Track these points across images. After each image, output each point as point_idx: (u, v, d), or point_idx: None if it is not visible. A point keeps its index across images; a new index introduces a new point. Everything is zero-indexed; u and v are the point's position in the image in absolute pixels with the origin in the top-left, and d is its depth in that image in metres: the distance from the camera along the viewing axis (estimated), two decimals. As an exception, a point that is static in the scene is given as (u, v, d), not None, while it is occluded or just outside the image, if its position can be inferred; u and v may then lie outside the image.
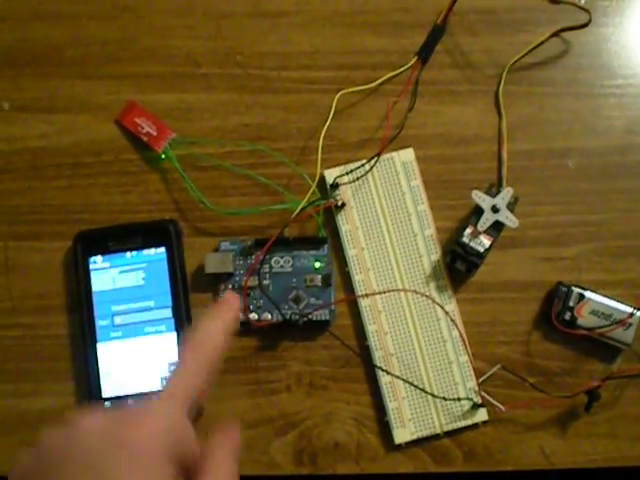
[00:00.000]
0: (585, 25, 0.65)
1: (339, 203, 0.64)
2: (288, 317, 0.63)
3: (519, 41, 0.68)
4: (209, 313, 0.43)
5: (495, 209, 0.61)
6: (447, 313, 0.62)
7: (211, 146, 0.66)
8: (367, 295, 0.63)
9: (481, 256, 0.61)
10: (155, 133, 0.65)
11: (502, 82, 0.67)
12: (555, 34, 0.67)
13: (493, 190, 0.63)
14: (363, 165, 0.64)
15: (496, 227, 0.62)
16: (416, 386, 0.62)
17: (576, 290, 0.63)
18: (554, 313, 0.63)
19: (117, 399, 0.63)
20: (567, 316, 0.63)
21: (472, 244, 0.61)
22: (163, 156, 0.66)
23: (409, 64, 0.67)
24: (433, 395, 0.62)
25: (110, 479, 0.33)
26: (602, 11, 0.68)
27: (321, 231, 0.64)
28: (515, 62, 0.67)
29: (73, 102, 0.67)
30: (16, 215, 0.66)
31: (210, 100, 0.67)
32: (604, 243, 0.66)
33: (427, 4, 0.68)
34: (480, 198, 0.61)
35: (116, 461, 0.33)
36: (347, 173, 0.64)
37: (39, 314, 0.66)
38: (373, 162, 0.63)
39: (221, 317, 0.43)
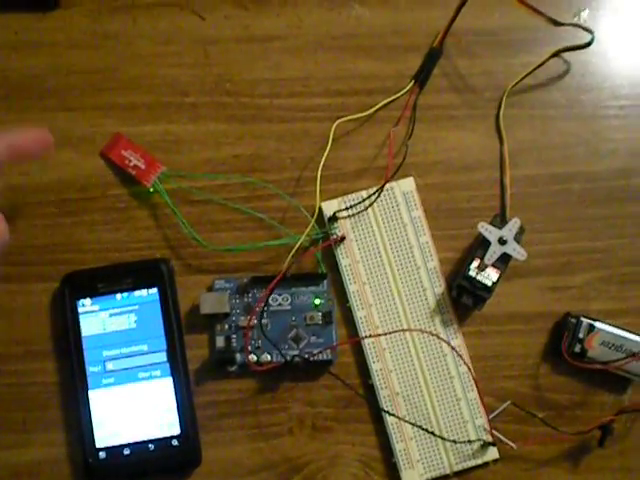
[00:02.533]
0: (587, 45, 0.64)
1: (339, 237, 0.61)
2: (289, 359, 0.59)
3: (519, 62, 0.66)
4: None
5: (502, 241, 0.59)
6: (453, 349, 0.60)
7: (202, 179, 0.63)
8: (370, 336, 0.60)
9: (489, 290, 0.59)
10: (143, 167, 0.62)
11: (502, 105, 0.65)
12: (556, 54, 0.66)
13: (498, 220, 0.60)
14: (365, 199, 0.61)
15: (503, 259, 0.59)
16: (424, 429, 0.59)
17: (586, 321, 0.61)
18: (564, 346, 0.60)
19: (112, 449, 0.60)
20: (577, 348, 0.61)
21: (479, 278, 0.59)
22: (152, 190, 0.62)
23: (406, 89, 0.64)
24: (442, 438, 0.59)
25: None
26: (604, 30, 0.66)
27: (321, 267, 0.61)
28: (515, 84, 0.65)
29: (55, 135, 0.63)
30: (-2, 257, 0.63)
31: (199, 131, 0.64)
32: (611, 270, 0.64)
33: (423, 26, 0.65)
34: (487, 230, 0.59)
35: None
36: (347, 208, 0.61)
37: (26, 360, 0.63)
38: (375, 195, 0.60)
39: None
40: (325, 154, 0.61)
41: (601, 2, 0.67)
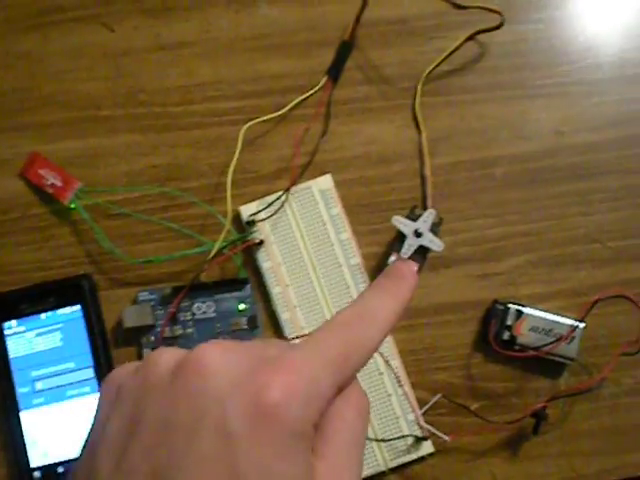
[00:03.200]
0: (499, 27, 0.62)
1: (257, 241, 0.60)
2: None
3: (433, 49, 0.64)
4: (381, 285, 0.33)
5: (418, 233, 0.58)
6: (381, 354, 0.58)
7: (120, 192, 0.62)
8: (296, 338, 0.60)
9: (408, 284, 0.57)
10: (60, 184, 0.62)
11: (418, 94, 0.63)
12: (470, 38, 0.64)
13: (416, 212, 0.59)
14: (278, 199, 0.60)
15: (422, 251, 0.58)
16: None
17: (513, 307, 0.60)
18: (491, 335, 0.60)
19: (47, 467, 0.60)
20: (506, 336, 0.60)
21: (397, 272, 0.57)
22: (73, 205, 0.62)
23: (319, 85, 0.63)
24: (375, 440, 0.59)
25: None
26: (518, 8, 0.64)
27: (241, 272, 0.61)
28: (430, 71, 0.64)
29: (-27, 160, 0.63)
30: None
31: (115, 143, 0.64)
32: (540, 253, 0.63)
33: (333, 20, 0.64)
34: (401, 223, 0.58)
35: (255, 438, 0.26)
36: (263, 209, 0.61)
37: (-42, 386, 0.62)
38: (286, 196, 0.60)
39: (395, 294, 0.33)
40: (235, 159, 0.61)
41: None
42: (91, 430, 0.30)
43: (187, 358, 0.28)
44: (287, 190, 0.60)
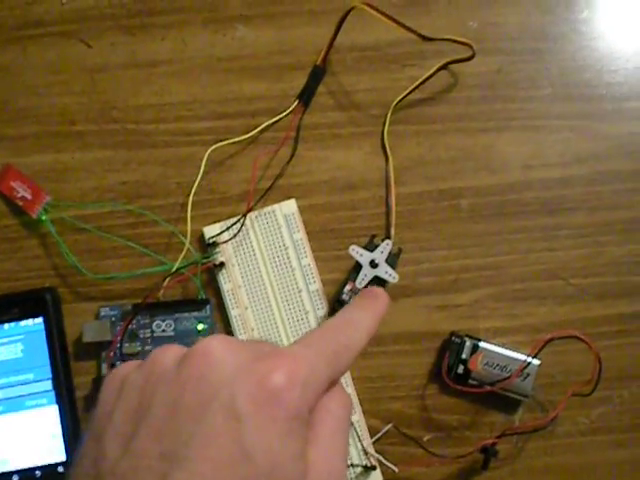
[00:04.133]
0: (470, 58, 0.62)
1: (217, 262, 0.61)
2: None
3: (405, 77, 0.65)
4: (360, 302, 0.37)
5: (374, 264, 0.58)
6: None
7: (88, 208, 0.63)
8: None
9: (362, 313, 0.58)
10: (30, 197, 0.63)
11: (387, 122, 0.63)
12: (443, 67, 0.64)
13: (375, 241, 0.59)
14: (238, 221, 0.61)
15: (378, 282, 0.58)
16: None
17: (469, 341, 0.60)
18: (444, 368, 0.60)
19: (3, 476, 0.61)
20: (460, 369, 0.60)
21: (352, 301, 0.58)
22: (44, 218, 0.63)
23: (290, 109, 0.64)
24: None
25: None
26: (491, 39, 0.65)
27: (200, 292, 0.61)
28: (401, 100, 0.64)
29: (-52, 169, 0.64)
30: None
31: (86, 159, 0.65)
32: (502, 287, 0.62)
33: (306, 44, 0.65)
34: (357, 253, 0.58)
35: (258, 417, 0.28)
36: (224, 230, 0.61)
37: None
38: (245, 219, 0.61)
39: (373, 309, 0.37)
40: (197, 180, 0.61)
41: (490, 11, 0.65)
42: (95, 420, 0.31)
43: (192, 349, 0.30)
44: (245, 214, 0.60)
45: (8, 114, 0.66)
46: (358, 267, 0.59)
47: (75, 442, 0.61)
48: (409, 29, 0.60)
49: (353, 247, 0.58)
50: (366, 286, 0.58)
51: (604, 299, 0.62)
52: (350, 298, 0.58)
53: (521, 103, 0.64)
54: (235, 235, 0.61)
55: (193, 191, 0.61)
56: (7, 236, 0.65)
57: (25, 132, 0.66)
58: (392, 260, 0.59)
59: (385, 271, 0.58)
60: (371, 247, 0.59)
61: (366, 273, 0.58)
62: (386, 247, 0.58)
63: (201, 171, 0.61)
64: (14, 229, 0.65)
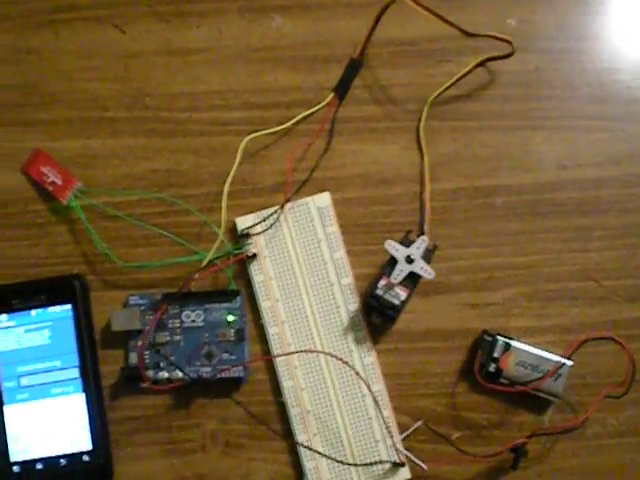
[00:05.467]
0: (509, 55, 0.62)
1: (249, 254, 0.60)
2: (196, 377, 0.59)
3: (442, 73, 0.64)
4: None
5: (409, 259, 0.57)
6: (359, 375, 0.59)
7: (118, 195, 0.63)
8: (280, 355, 0.60)
9: (397, 309, 0.58)
10: (60, 182, 0.63)
11: (423, 117, 0.63)
12: (480, 64, 0.63)
13: (410, 237, 0.59)
14: (274, 213, 0.60)
15: (413, 277, 0.58)
16: (333, 458, 0.59)
17: (501, 339, 0.59)
18: (476, 366, 0.59)
19: (26, 463, 0.60)
20: (492, 368, 0.59)
21: (387, 296, 0.58)
22: (74, 204, 0.62)
23: (325, 101, 0.63)
24: (347, 464, 0.59)
25: None
26: (529, 38, 0.64)
27: (231, 284, 0.61)
28: (437, 95, 0.63)
29: (-23, 151, 0.64)
30: None
31: (118, 145, 0.64)
32: (534, 287, 0.62)
33: (343, 37, 0.64)
34: (393, 248, 0.58)
35: None
36: (259, 222, 0.61)
37: (-55, 375, 0.63)
38: (281, 211, 0.60)
39: None
40: (233, 170, 0.61)
41: (529, 9, 0.64)
42: None
43: None
44: (282, 206, 0.60)
45: (39, 98, 0.65)
46: (393, 262, 0.58)
47: (101, 431, 0.60)
48: (451, 24, 0.60)
49: (389, 242, 0.58)
50: (401, 282, 0.58)
51: (635, 301, 0.62)
52: (384, 293, 0.58)
53: (557, 102, 0.64)
54: (271, 226, 0.60)
55: (229, 181, 0.60)
56: (35, 221, 0.64)
57: (56, 117, 0.65)
58: (427, 256, 0.58)
59: (421, 267, 0.58)
60: (406, 242, 0.58)
61: (402, 268, 0.58)
62: (422, 243, 0.58)
63: (237, 161, 0.61)
64: (43, 214, 0.64)
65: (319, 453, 0.59)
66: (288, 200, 0.60)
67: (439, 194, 0.63)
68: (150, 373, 0.61)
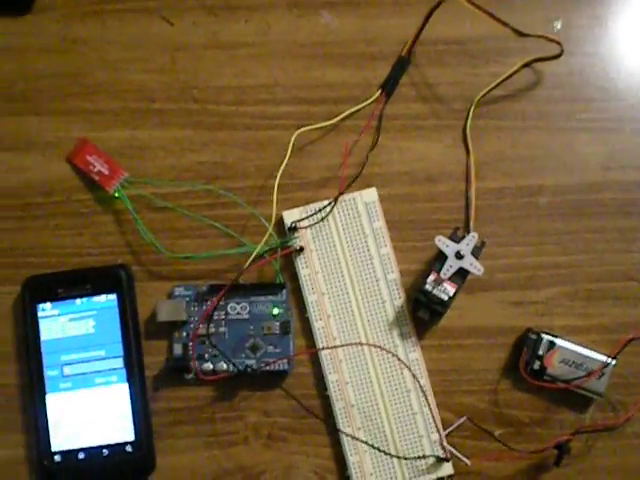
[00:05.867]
0: (557, 56, 0.62)
1: (297, 247, 0.60)
2: (242, 369, 0.59)
3: (488, 72, 0.65)
4: None
5: (459, 255, 0.58)
6: (409, 369, 0.59)
7: (165, 186, 0.63)
8: (327, 348, 0.60)
9: (445, 305, 0.58)
10: (107, 172, 0.63)
11: (470, 116, 0.63)
12: (526, 65, 0.64)
13: (458, 233, 0.59)
14: (323, 208, 0.61)
15: (461, 273, 0.59)
16: (376, 448, 0.59)
17: (546, 337, 0.60)
18: (522, 363, 0.60)
19: (67, 452, 0.60)
20: (536, 365, 0.60)
21: (435, 292, 0.58)
22: (117, 195, 0.62)
23: (372, 98, 0.64)
24: (391, 455, 0.59)
25: None
26: (575, 41, 0.65)
27: (278, 276, 0.61)
28: (484, 95, 0.64)
29: (22, 139, 0.64)
30: (-38, 258, 0.63)
31: (165, 137, 0.64)
32: (577, 286, 0.63)
33: (392, 35, 0.65)
34: (443, 244, 0.58)
35: None
36: (307, 217, 0.61)
37: (-14, 362, 0.62)
38: (331, 206, 0.60)
39: None
40: (283, 164, 0.61)
41: (575, 13, 0.65)
42: None
43: None
44: (335, 200, 0.60)
45: (85, 88, 0.65)
46: (442, 258, 0.59)
47: (144, 422, 0.60)
48: (504, 23, 0.61)
49: (439, 238, 0.58)
50: (450, 277, 0.58)
51: (678, 302, 0.62)
52: (433, 289, 0.58)
53: (601, 104, 0.65)
54: (322, 220, 0.61)
55: (279, 174, 0.61)
56: (79, 211, 0.64)
57: (102, 107, 0.65)
58: (476, 252, 0.59)
59: (470, 263, 0.58)
60: (456, 239, 0.59)
61: (451, 264, 0.58)
62: (472, 239, 0.58)
63: (288, 154, 0.61)
64: (87, 204, 0.64)
65: (365, 443, 0.59)
66: (342, 194, 0.61)
67: (484, 192, 0.63)
68: (194, 364, 0.61)
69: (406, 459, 0.59)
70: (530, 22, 0.64)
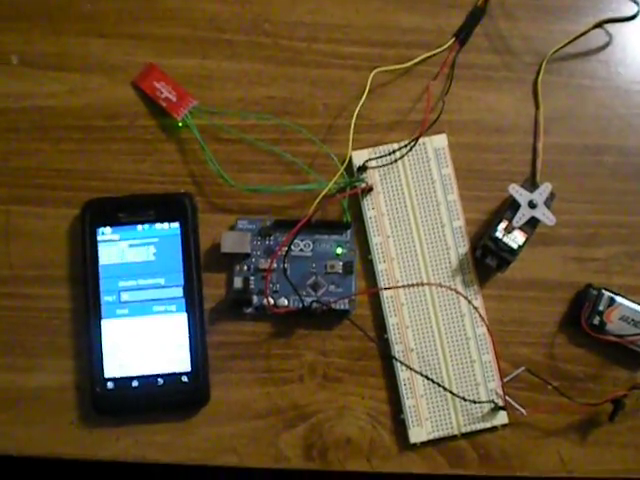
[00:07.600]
0: (632, 17, 0.63)
1: (366, 187, 0.60)
2: (307, 305, 0.58)
3: (561, 30, 0.65)
4: None
5: (532, 204, 0.58)
6: (476, 308, 0.59)
7: (233, 118, 0.62)
8: (390, 288, 0.60)
9: (514, 253, 0.58)
10: (175, 99, 0.61)
11: (542, 71, 0.63)
12: (599, 25, 0.64)
13: (528, 185, 0.59)
14: (396, 150, 0.60)
15: (531, 223, 0.59)
16: (436, 382, 0.58)
17: (607, 294, 0.60)
18: (584, 317, 0.60)
19: (121, 380, 0.59)
20: (596, 320, 0.60)
21: (505, 240, 0.58)
22: (181, 124, 0.61)
23: (446, 45, 0.64)
24: (453, 394, 0.59)
25: None
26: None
27: (346, 216, 0.60)
28: (556, 51, 0.64)
29: (87, 61, 0.63)
30: (20, 178, 0.62)
31: (234, 69, 0.63)
32: (637, 246, 0.63)
33: (468, -16, 0.64)
34: (517, 192, 0.58)
35: None
36: (377, 157, 0.60)
37: (40, 285, 0.62)
38: (407, 148, 0.60)
39: None
40: (360, 103, 0.60)
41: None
42: None
43: None
44: (415, 141, 0.60)
45: (155, 13, 0.64)
46: (514, 206, 0.59)
47: (201, 354, 0.59)
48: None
49: (513, 186, 0.59)
50: (522, 227, 0.58)
51: None
52: (503, 236, 0.58)
53: (670, 69, 0.65)
54: (391, 163, 0.61)
55: (355, 114, 0.61)
56: (143, 137, 0.63)
57: (171, 34, 0.64)
58: (548, 203, 0.59)
59: (543, 213, 0.58)
60: (529, 188, 0.59)
61: (524, 213, 0.58)
62: (545, 189, 0.59)
63: (364, 95, 0.61)
64: (152, 130, 0.63)
65: (427, 377, 0.59)
66: (420, 136, 0.60)
67: (550, 148, 0.63)
68: (254, 299, 0.60)
69: (465, 400, 0.59)
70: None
